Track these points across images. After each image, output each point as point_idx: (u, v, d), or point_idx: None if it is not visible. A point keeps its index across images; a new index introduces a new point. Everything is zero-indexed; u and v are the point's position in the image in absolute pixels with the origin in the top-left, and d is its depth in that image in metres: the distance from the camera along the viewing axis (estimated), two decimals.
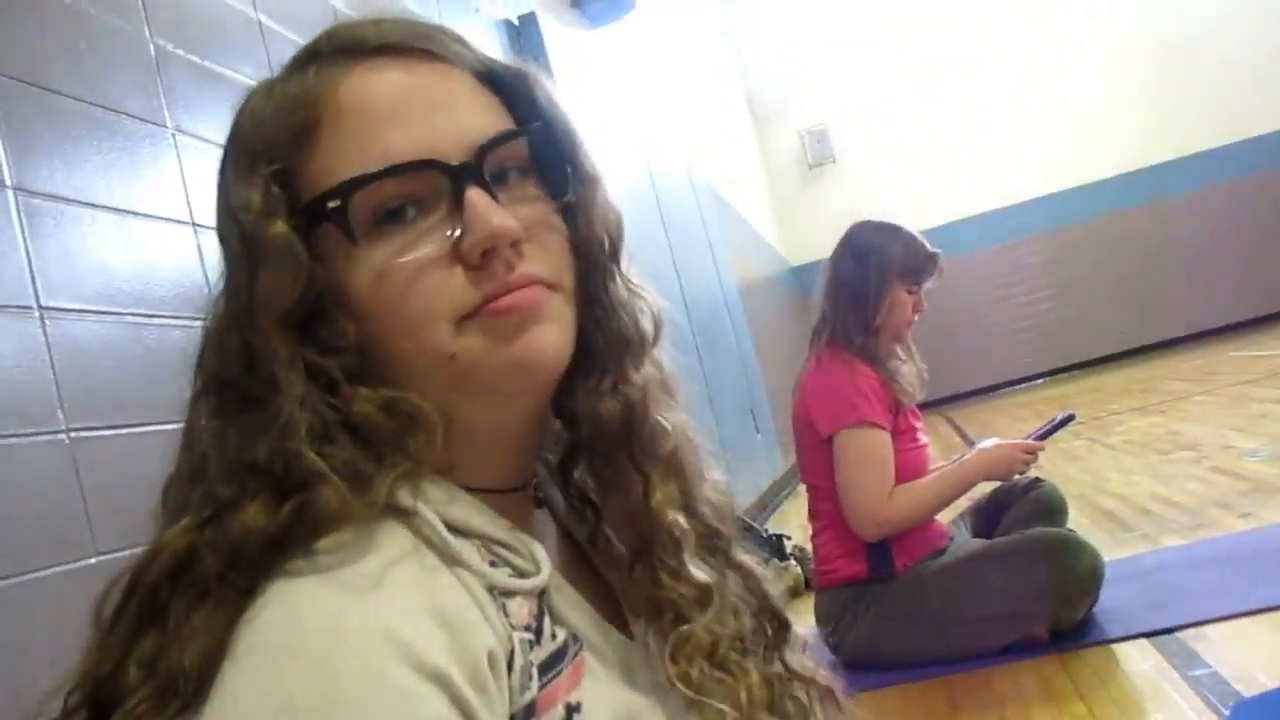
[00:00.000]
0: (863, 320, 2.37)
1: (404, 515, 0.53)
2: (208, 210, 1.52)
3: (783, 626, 0.70)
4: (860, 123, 11.71)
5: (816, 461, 2.39)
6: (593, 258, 0.63)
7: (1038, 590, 2.18)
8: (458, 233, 0.56)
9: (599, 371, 0.63)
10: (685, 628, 0.62)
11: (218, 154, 1.55)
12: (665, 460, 0.65)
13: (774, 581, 0.71)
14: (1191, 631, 2.09)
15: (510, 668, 0.51)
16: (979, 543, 2.40)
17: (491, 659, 0.50)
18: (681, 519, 0.64)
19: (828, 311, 2.44)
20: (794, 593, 3.26)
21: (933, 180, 11.38)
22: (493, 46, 3.14)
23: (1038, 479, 2.58)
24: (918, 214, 9.64)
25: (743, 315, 6.72)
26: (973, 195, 11.45)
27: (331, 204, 0.55)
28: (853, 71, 11.68)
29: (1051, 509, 2.52)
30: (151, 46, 1.54)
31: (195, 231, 1.53)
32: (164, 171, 1.52)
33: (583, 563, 0.68)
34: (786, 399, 2.62)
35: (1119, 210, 11.30)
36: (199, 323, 1.34)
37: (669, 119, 5.92)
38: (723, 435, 4.84)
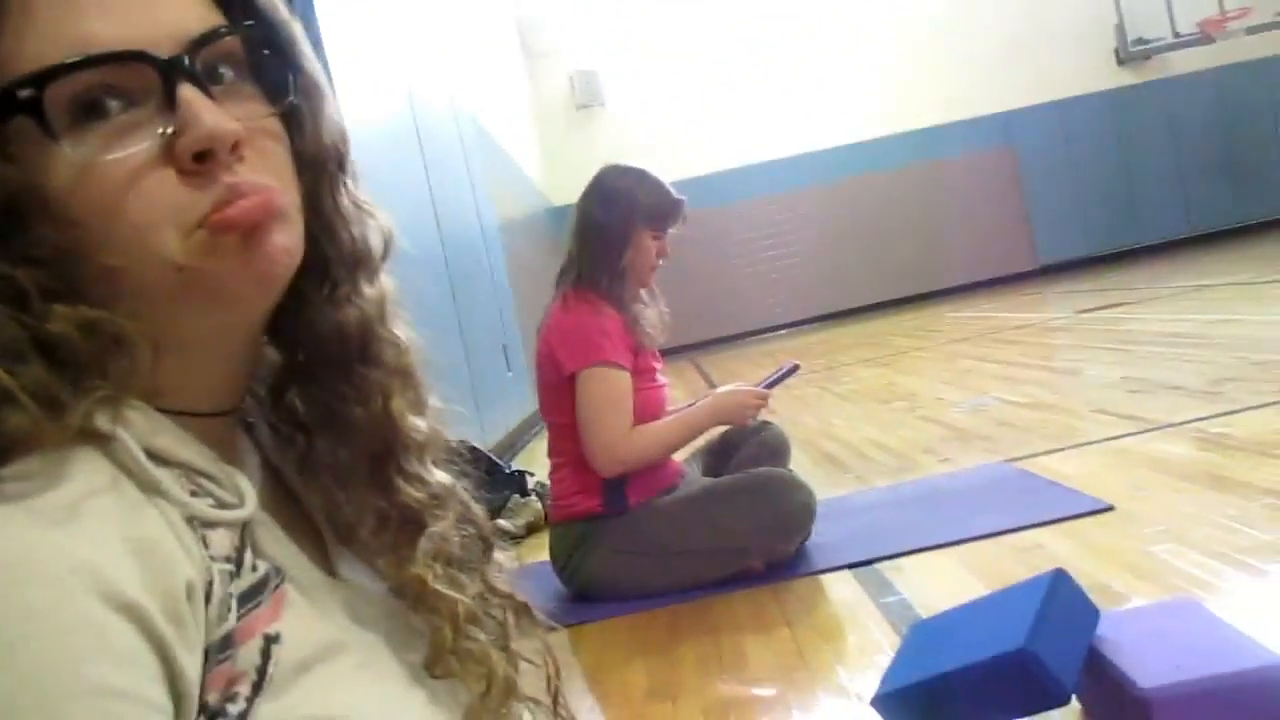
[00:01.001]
0: (608, 263, 2.41)
1: (101, 442, 0.50)
2: None
3: (488, 546, 0.71)
4: (630, 68, 11.81)
5: (558, 399, 2.43)
6: (321, 168, 0.61)
7: (755, 525, 2.33)
8: (169, 130, 0.51)
9: (331, 283, 0.62)
10: (433, 529, 0.63)
11: None
12: (403, 371, 0.64)
13: (514, 515, 0.73)
14: (888, 563, 2.29)
15: (209, 599, 0.50)
16: (706, 480, 2.53)
17: (189, 591, 0.48)
18: (421, 424, 0.65)
19: (574, 253, 2.47)
20: (533, 528, 3.32)
21: (696, 131, 11.68)
22: None
23: (766, 422, 2.73)
24: (679, 163, 9.88)
25: (501, 252, 6.68)
26: (733, 149, 11.84)
27: (23, 93, 0.49)
28: (626, 16, 11.75)
29: (776, 450, 2.68)
30: None
31: None
32: None
33: (287, 500, 0.66)
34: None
35: (866, 173, 12.01)
36: None
37: (433, 45, 5.75)
38: (474, 370, 4.82)
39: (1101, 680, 1.24)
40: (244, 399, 0.65)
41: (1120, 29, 12.09)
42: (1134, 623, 1.32)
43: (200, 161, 0.52)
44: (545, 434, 2.61)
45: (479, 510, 0.70)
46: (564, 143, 11.60)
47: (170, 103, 0.51)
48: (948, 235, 11.93)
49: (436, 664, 0.61)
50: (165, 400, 0.55)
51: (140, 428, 0.52)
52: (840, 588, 2.22)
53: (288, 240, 0.55)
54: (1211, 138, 12.30)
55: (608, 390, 2.36)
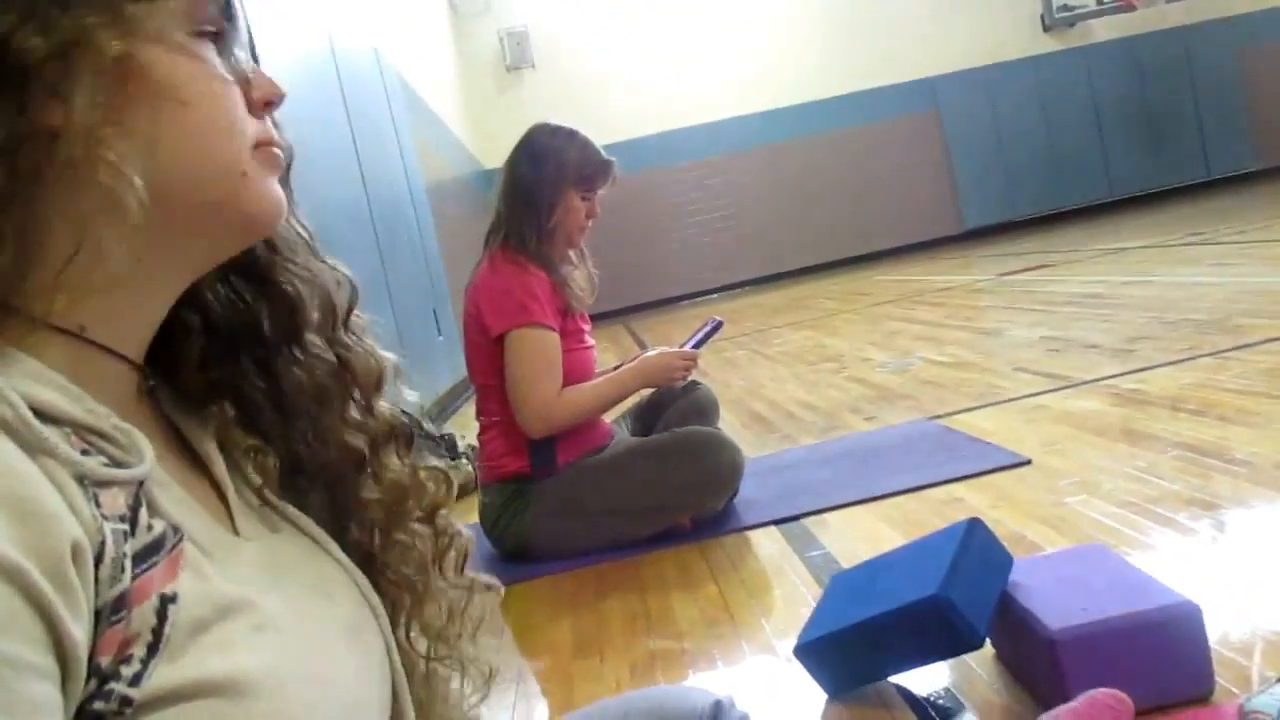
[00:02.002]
0: (536, 223, 2.39)
1: None
2: None
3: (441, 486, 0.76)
4: (561, 30, 11.68)
5: (485, 361, 2.42)
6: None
7: (683, 483, 2.35)
8: (253, 77, 0.61)
9: (294, 256, 0.69)
10: (396, 463, 0.70)
11: None
12: (353, 307, 0.73)
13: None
14: (813, 519, 2.33)
15: (100, 560, 0.48)
16: (635, 440, 2.54)
17: (76, 551, 0.46)
18: (374, 358, 0.72)
19: (503, 213, 2.44)
20: (463, 490, 3.30)
21: (626, 94, 11.61)
22: None
23: (695, 382, 2.74)
24: (610, 126, 9.82)
25: (429, 214, 6.59)
26: (663, 113, 11.80)
27: None
28: None
29: (704, 409, 2.69)
30: None
31: None
32: None
33: (187, 460, 0.66)
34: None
35: (795, 137, 12.07)
36: None
37: (358, 2, 5.63)
38: (403, 333, 4.76)
39: (1012, 624, 1.28)
40: (145, 357, 0.64)
41: None
42: (1043, 569, 1.36)
43: (265, 107, 0.62)
44: (475, 397, 2.59)
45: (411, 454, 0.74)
46: (493, 105, 11.46)
47: (253, 59, 0.62)
48: (875, 199, 12.07)
49: (398, 620, 0.69)
50: (94, 331, 0.55)
51: (25, 384, 0.51)
52: (766, 544, 2.25)
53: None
54: (1132, 104, 12.59)
55: (536, 351, 2.35)
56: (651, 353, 2.52)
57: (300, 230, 0.70)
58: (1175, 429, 2.41)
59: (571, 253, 2.50)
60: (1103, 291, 5.20)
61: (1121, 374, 3.10)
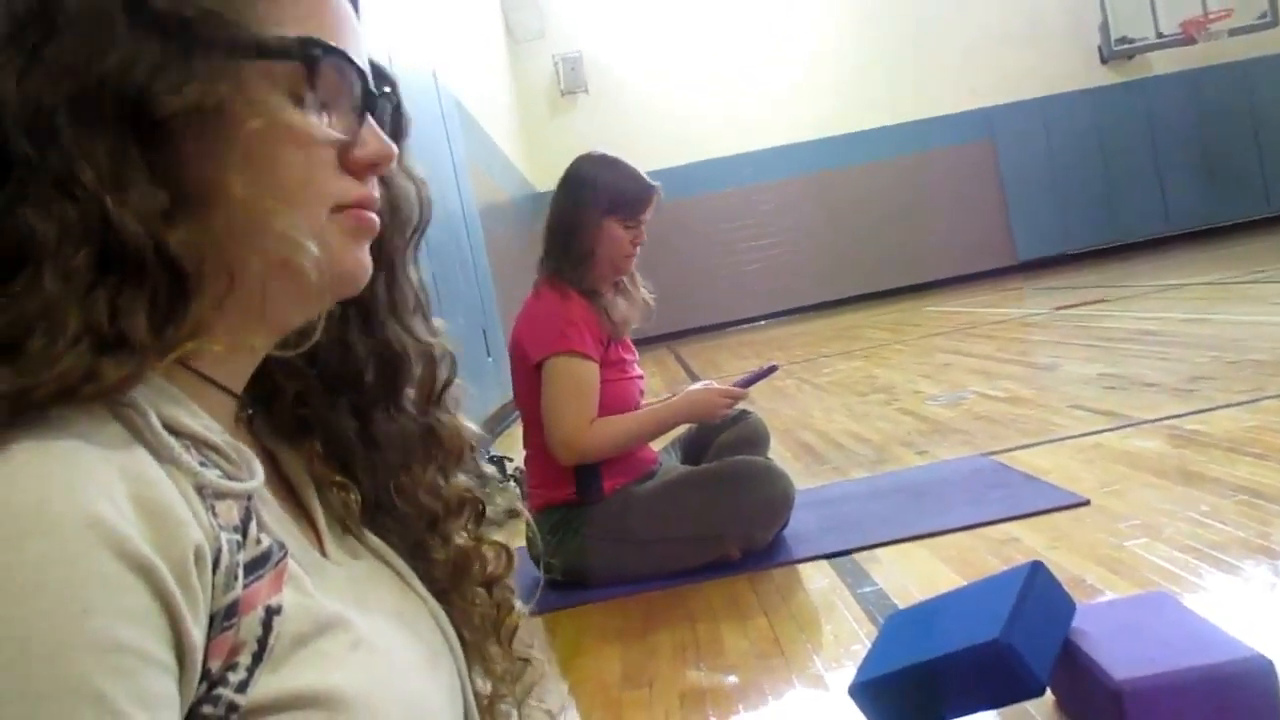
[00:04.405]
0: (577, 251, 2.40)
1: (118, 406, 0.51)
2: None
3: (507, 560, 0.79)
4: (616, 55, 11.78)
5: (527, 388, 2.42)
6: (409, 223, 0.72)
7: (733, 514, 2.34)
8: (355, 139, 0.60)
9: (405, 315, 0.72)
10: (463, 533, 0.73)
11: None
12: (446, 380, 0.74)
13: (492, 500, 0.79)
14: (864, 554, 2.30)
15: (216, 566, 0.51)
16: (683, 468, 2.53)
17: (198, 556, 0.49)
18: (468, 424, 0.75)
19: (547, 242, 2.46)
20: (512, 513, 3.31)
21: (679, 120, 11.66)
22: None
23: (745, 411, 2.72)
24: (662, 152, 9.88)
25: (481, 234, 6.65)
26: (717, 138, 11.83)
27: (312, 51, 0.57)
28: (612, 2, 11.71)
29: (754, 439, 2.68)
30: None
31: None
32: None
33: (279, 485, 0.68)
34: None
35: (848, 166, 12.04)
36: None
37: (414, 14, 5.71)
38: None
39: (1075, 672, 1.25)
40: (249, 388, 0.67)
41: (1104, 28, 12.15)
42: (1108, 616, 1.33)
43: (364, 170, 0.61)
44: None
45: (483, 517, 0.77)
46: (547, 128, 11.56)
47: (360, 119, 0.61)
48: (928, 230, 11.98)
49: (469, 656, 0.71)
50: (199, 364, 0.58)
51: (156, 396, 0.54)
52: (817, 577, 2.23)
53: (370, 263, 0.64)
54: (1191, 138, 12.40)
55: (570, 379, 2.35)
56: (696, 387, 2.50)
57: (417, 292, 0.73)
58: (1238, 472, 2.35)
59: (622, 279, 2.50)
60: (1161, 328, 5.11)
61: (1182, 414, 3.04)
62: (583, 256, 2.40)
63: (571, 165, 2.51)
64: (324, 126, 0.59)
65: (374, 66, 0.67)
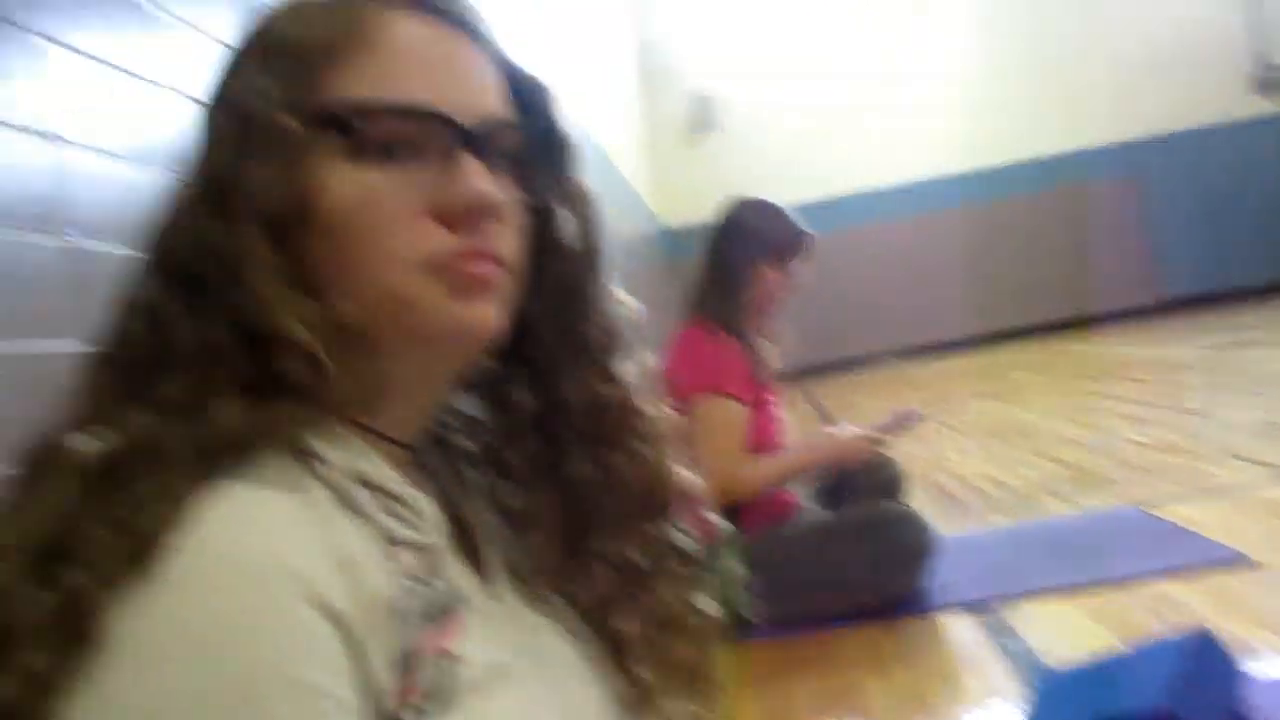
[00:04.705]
0: (730, 295, 2.43)
1: (309, 457, 0.54)
2: (71, 124, 1.45)
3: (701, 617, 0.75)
4: (746, 93, 11.82)
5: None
6: (581, 260, 0.68)
7: (872, 561, 2.31)
8: (445, 186, 0.59)
9: (591, 358, 0.69)
10: (658, 591, 0.69)
11: (87, 65, 1.49)
12: (664, 440, 0.71)
13: None
14: (1009, 606, 2.24)
15: (398, 614, 0.53)
16: (823, 514, 2.51)
17: (382, 603, 0.52)
18: (680, 481, 0.72)
19: (699, 283, 2.49)
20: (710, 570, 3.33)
21: (812, 156, 11.60)
22: None
23: (884, 454, 2.69)
24: (792, 188, 9.82)
25: (613, 259, 6.73)
26: (846, 175, 11.73)
27: (350, 117, 0.57)
28: (743, 42, 11.78)
29: (891, 484, 2.64)
30: None
31: (54, 144, 1.46)
32: (28, 80, 1.44)
33: (455, 528, 0.71)
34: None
35: (983, 201, 11.77)
36: (62, 240, 1.30)
37: (559, 65, 5.86)
38: None
39: None
40: (424, 436, 0.69)
41: (1258, 53, 11.59)
42: None
43: (460, 217, 0.59)
44: None
45: (694, 571, 0.74)
46: (677, 165, 11.66)
47: (453, 163, 0.59)
48: (1068, 265, 11.58)
49: (643, 710, 0.67)
50: (365, 420, 0.61)
51: (340, 448, 0.57)
52: (959, 628, 2.18)
53: (498, 315, 0.62)
54: None
55: (721, 419, 2.37)
56: (840, 430, 2.50)
57: (607, 332, 0.70)
58: None
59: (765, 322, 2.51)
60: None
61: None
62: (737, 299, 2.43)
63: (727, 209, 2.54)
64: (386, 184, 0.58)
65: (520, 87, 0.66)
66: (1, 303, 1.31)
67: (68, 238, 1.45)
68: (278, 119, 0.57)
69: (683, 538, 0.72)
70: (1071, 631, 2.03)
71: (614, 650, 0.69)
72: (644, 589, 0.69)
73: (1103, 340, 8.87)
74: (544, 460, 0.71)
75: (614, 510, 0.69)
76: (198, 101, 0.62)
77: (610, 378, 0.69)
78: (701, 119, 11.78)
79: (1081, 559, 2.47)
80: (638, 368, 0.71)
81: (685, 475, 0.72)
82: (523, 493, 0.72)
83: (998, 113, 11.72)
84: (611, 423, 0.69)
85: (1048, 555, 2.56)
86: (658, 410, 0.72)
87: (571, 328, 0.68)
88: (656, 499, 0.70)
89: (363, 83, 0.59)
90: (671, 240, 10.58)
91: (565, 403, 0.69)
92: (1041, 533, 2.80)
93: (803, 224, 2.49)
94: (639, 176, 10.09)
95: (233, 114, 0.58)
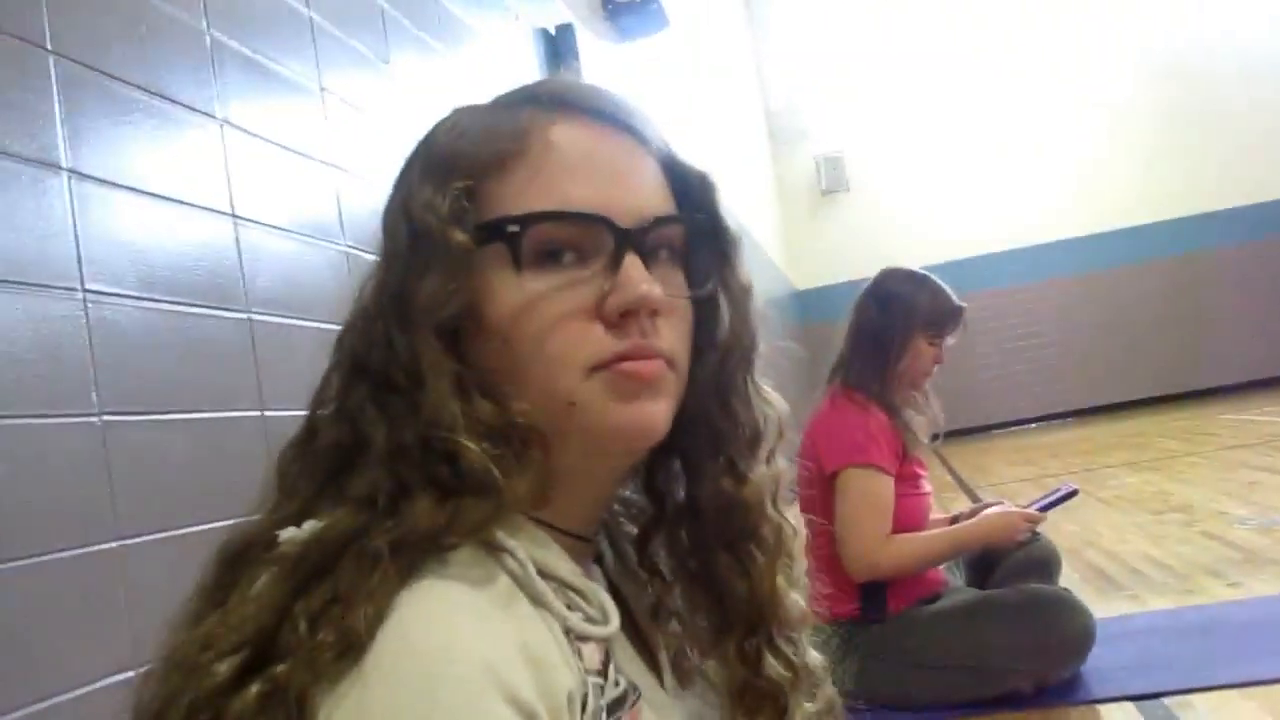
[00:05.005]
0: (881, 366, 2.39)
1: (498, 551, 0.56)
2: (249, 203, 1.53)
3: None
4: (876, 154, 11.74)
5: (819, 498, 2.40)
6: (736, 353, 0.68)
7: (1029, 646, 2.20)
8: (607, 288, 0.60)
9: (728, 458, 0.68)
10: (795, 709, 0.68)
11: (263, 147, 1.57)
12: (787, 551, 0.70)
13: None
14: (1177, 699, 2.10)
15: (584, 709, 0.54)
16: (973, 593, 2.42)
17: (570, 699, 0.52)
18: (800, 600, 0.70)
19: (847, 353, 2.46)
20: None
21: (942, 217, 11.43)
22: (529, 54, 3.16)
23: (1036, 533, 2.58)
24: (925, 250, 9.67)
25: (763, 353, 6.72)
26: (980, 236, 11.49)
27: (511, 228, 0.59)
28: (873, 103, 11.73)
29: (1045, 564, 2.53)
30: (208, 38, 1.56)
31: (235, 224, 1.55)
32: (210, 162, 1.53)
33: (627, 620, 0.71)
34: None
35: (1124, 264, 11.36)
36: (233, 314, 1.37)
37: (689, 133, 5.94)
38: None
39: None
40: (599, 529, 0.70)
41: None
42: None
43: (623, 319, 0.60)
44: None
45: (832, 690, 0.74)
46: (807, 227, 11.62)
47: (615, 264, 0.60)
48: (1216, 329, 11.02)
49: None
50: (543, 515, 0.62)
51: (527, 543, 0.58)
52: None
53: (663, 411, 0.62)
54: None
55: (868, 493, 2.32)
56: (994, 510, 2.41)
57: (751, 428, 0.69)
58: None
59: (915, 395, 2.46)
60: None
61: None
62: (888, 370, 2.39)
63: (879, 279, 2.52)
64: (551, 290, 0.59)
65: (683, 179, 0.67)
66: (187, 375, 1.38)
67: (245, 312, 1.53)
68: (446, 233, 0.59)
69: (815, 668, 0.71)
70: None
71: None
72: (760, 703, 0.68)
73: (1258, 408, 8.37)
74: (681, 553, 0.71)
75: (730, 615, 0.69)
76: (359, 177, 0.65)
77: (743, 479, 0.68)
78: (831, 180, 11.74)
79: (1255, 650, 2.30)
80: (773, 472, 0.70)
81: (794, 600, 0.70)
82: (661, 583, 0.72)
83: (1133, 174, 11.35)
84: (736, 526, 0.68)
85: (1217, 645, 2.40)
86: (784, 521, 0.70)
87: (716, 421, 0.68)
88: (763, 618, 0.69)
89: (526, 192, 0.60)
90: (803, 302, 10.52)
91: (700, 497, 0.69)
92: (1209, 619, 2.63)
93: (956, 297, 2.44)
94: (769, 239, 10.10)
95: (407, 227, 0.61)
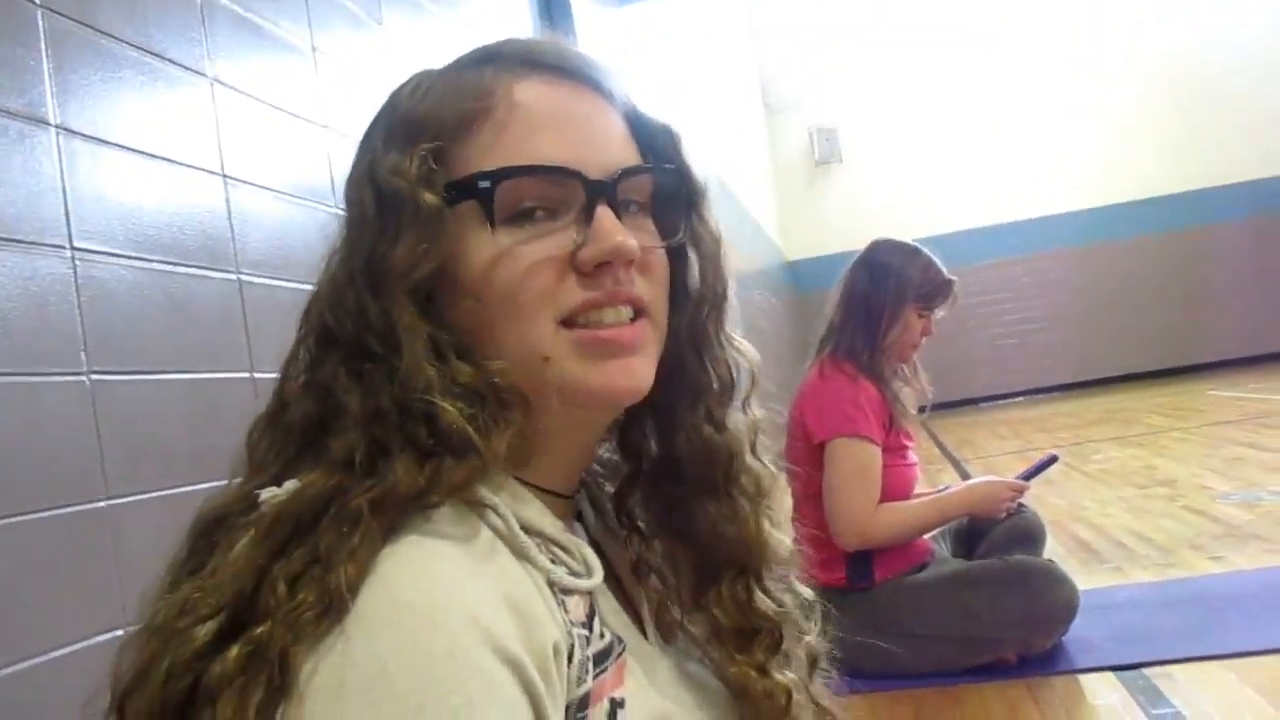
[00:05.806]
0: (871, 337, 2.39)
1: (480, 507, 0.56)
2: (240, 163, 1.51)
3: (814, 663, 0.75)
4: (870, 126, 11.70)
5: (806, 468, 2.41)
6: (708, 304, 0.68)
7: (1013, 616, 2.23)
8: (580, 240, 0.60)
9: (706, 409, 0.68)
10: (785, 644, 0.69)
11: (253, 106, 1.56)
12: (769, 493, 0.71)
13: None
14: (1158, 670, 2.13)
15: (570, 660, 0.54)
16: (958, 563, 2.44)
17: (555, 650, 0.53)
18: (786, 540, 0.71)
19: (836, 323, 2.45)
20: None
21: (934, 190, 11.41)
22: (524, 14, 3.13)
23: (1021, 505, 2.60)
24: (917, 222, 9.66)
25: (737, 304, 6.71)
26: (971, 209, 11.49)
27: (482, 184, 0.59)
28: (868, 74, 11.67)
29: (1031, 535, 2.55)
30: None
31: (225, 184, 1.53)
32: (200, 121, 1.51)
33: (610, 576, 0.71)
34: (770, 391, 2.63)
35: (1116, 239, 11.38)
36: (223, 275, 1.36)
37: (683, 101, 5.91)
38: None
39: None
40: (579, 486, 0.71)
41: None
42: None
43: (598, 270, 0.59)
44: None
45: (811, 628, 0.74)
46: (800, 198, 11.60)
47: (587, 217, 0.60)
48: (1206, 306, 11.06)
49: None
50: (523, 474, 0.62)
51: (510, 499, 0.59)
52: (1104, 691, 2.08)
53: (641, 369, 0.63)
54: None
55: (856, 463, 2.33)
56: (979, 481, 2.43)
57: (723, 376, 0.69)
58: None
59: (902, 366, 2.46)
60: None
61: None
62: (878, 341, 2.39)
63: (870, 250, 2.51)
64: (523, 245, 0.59)
65: (649, 133, 0.66)
66: (176, 336, 1.37)
67: (234, 273, 1.52)
68: (416, 195, 0.59)
69: (774, 609, 0.70)
70: (1227, 702, 1.92)
71: (736, 693, 0.68)
72: (753, 641, 0.69)
73: (1245, 385, 8.42)
74: (660, 507, 0.71)
75: (717, 562, 0.69)
76: (351, 139, 0.64)
77: (722, 426, 0.69)
78: (825, 152, 11.70)
79: (1236, 623, 2.34)
80: (749, 419, 0.71)
81: (779, 539, 0.71)
82: (640, 540, 0.73)
83: (1127, 149, 11.35)
84: (718, 473, 0.69)
85: (1199, 617, 2.43)
86: (763, 466, 0.71)
87: (690, 372, 0.68)
88: (751, 559, 0.69)
89: (493, 151, 0.60)
90: (796, 273, 10.51)
91: (678, 449, 0.69)
92: (1191, 592, 2.66)
93: (946, 270, 2.44)
94: (761, 209, 10.07)
95: (374, 193, 0.61)
